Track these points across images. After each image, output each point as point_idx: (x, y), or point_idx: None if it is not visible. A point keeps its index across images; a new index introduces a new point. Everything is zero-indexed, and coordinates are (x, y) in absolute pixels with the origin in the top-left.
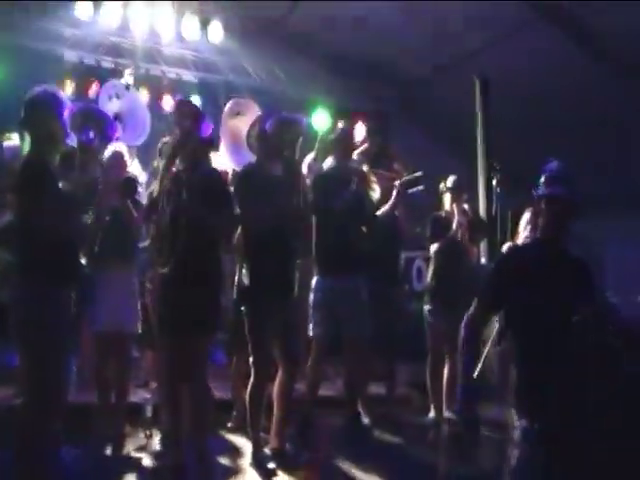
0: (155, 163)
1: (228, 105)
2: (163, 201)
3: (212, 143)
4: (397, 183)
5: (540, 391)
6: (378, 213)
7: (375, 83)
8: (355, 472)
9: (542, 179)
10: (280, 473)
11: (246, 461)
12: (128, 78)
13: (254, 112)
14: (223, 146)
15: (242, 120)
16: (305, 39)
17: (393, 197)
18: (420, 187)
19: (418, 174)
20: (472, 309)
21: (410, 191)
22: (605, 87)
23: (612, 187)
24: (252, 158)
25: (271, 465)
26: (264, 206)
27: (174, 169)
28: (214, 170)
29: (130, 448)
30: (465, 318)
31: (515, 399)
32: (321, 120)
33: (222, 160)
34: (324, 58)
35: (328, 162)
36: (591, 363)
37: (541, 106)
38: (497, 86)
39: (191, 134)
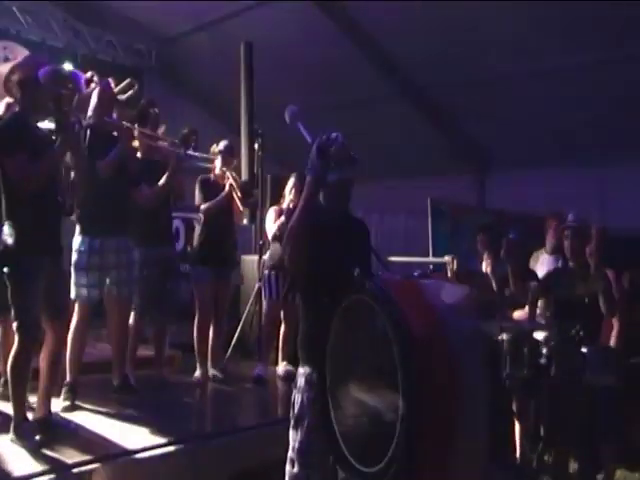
0: None
1: None
2: None
3: None
4: (173, 148)
5: (322, 340)
6: (160, 183)
7: (131, 37)
8: (127, 434)
9: (328, 152)
10: (47, 444)
11: (7, 436)
12: None
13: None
14: None
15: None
16: None
17: (170, 166)
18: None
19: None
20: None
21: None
22: (362, 71)
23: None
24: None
25: (37, 437)
26: (34, 161)
27: None
28: None
29: None
30: None
31: (300, 349)
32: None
33: None
34: (75, 6)
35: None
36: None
37: (301, 74)
38: (259, 50)
39: None
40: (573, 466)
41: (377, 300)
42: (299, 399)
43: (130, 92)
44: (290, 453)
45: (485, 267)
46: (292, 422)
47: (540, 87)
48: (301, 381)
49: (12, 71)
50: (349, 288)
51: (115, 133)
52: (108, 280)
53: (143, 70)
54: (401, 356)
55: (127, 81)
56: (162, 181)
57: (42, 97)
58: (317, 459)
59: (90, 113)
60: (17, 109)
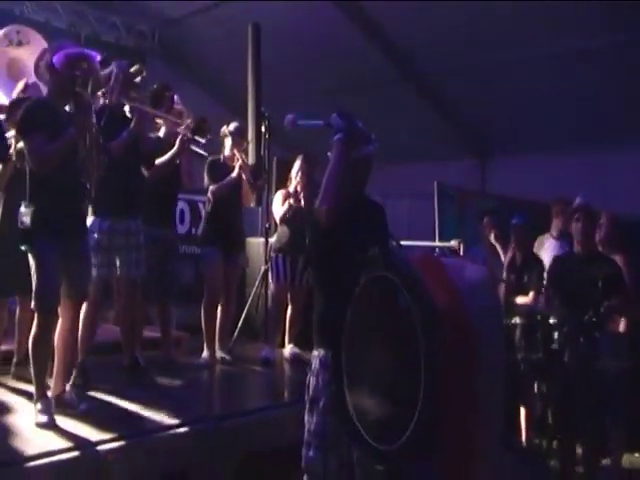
0: None
1: (2, 32)
2: None
3: None
4: (181, 130)
5: (337, 321)
6: (159, 160)
7: (135, 19)
8: (139, 414)
9: (349, 138)
10: (62, 422)
11: (26, 416)
12: None
13: (38, 41)
14: None
15: (27, 50)
16: None
17: (176, 146)
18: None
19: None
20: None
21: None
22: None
23: None
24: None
25: (54, 415)
26: (54, 143)
27: None
28: None
29: None
30: None
31: (316, 332)
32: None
33: None
34: None
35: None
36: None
37: (303, 57)
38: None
39: None
40: (579, 450)
41: (400, 275)
42: (314, 381)
43: (138, 78)
44: (306, 436)
45: (491, 252)
46: (307, 405)
47: (541, 72)
48: (316, 363)
49: (41, 57)
50: (369, 265)
51: (129, 115)
52: (118, 261)
53: (146, 52)
54: (424, 331)
55: (136, 66)
56: (164, 159)
57: (65, 81)
58: (333, 441)
59: (106, 94)
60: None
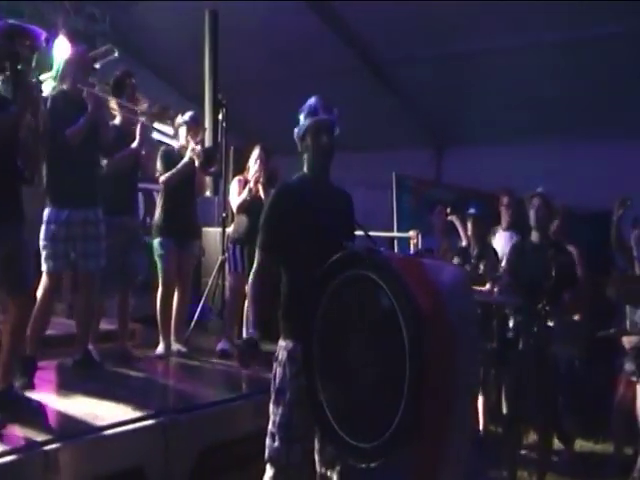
0: None
1: None
2: None
3: None
4: (141, 118)
5: (308, 313)
6: (120, 154)
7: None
8: (92, 410)
9: (304, 114)
10: (7, 422)
11: None
12: None
13: None
14: None
15: None
16: None
17: (138, 135)
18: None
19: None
20: (258, 257)
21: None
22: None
23: None
24: None
25: None
26: None
27: None
28: None
29: None
30: (254, 267)
31: (283, 322)
32: None
33: None
34: None
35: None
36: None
37: (261, 45)
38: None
39: None
40: (532, 437)
41: (382, 275)
42: (280, 372)
43: (110, 57)
44: (270, 427)
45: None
46: (273, 396)
47: (498, 63)
48: (283, 354)
49: None
50: (346, 262)
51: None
52: (73, 252)
53: (96, 36)
54: (409, 332)
55: (107, 46)
56: (125, 152)
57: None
58: (298, 433)
59: (64, 78)
60: None
